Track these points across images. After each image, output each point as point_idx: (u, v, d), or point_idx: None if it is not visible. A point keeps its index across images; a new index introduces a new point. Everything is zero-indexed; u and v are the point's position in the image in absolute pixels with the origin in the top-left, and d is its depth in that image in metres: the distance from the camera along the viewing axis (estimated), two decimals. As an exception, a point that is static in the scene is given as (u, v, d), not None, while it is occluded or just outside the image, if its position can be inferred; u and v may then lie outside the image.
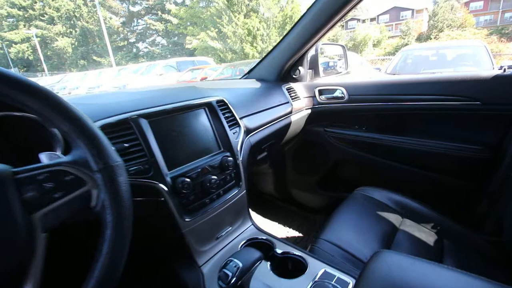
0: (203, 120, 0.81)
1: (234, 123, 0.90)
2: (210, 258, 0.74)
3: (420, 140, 1.12)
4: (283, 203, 1.72)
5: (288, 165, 1.63)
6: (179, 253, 0.71)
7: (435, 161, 1.10)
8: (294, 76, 1.43)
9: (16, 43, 23.67)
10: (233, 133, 0.87)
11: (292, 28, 1.21)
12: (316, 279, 0.64)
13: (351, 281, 0.64)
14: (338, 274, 0.65)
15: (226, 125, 0.84)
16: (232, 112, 0.90)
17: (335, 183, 1.49)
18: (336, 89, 1.33)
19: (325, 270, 0.67)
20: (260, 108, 1.13)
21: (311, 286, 0.61)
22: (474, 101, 0.98)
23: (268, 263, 0.71)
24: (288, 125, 1.28)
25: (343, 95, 1.31)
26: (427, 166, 1.12)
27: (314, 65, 1.52)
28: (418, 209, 1.03)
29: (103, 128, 0.59)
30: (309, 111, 1.41)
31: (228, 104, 0.90)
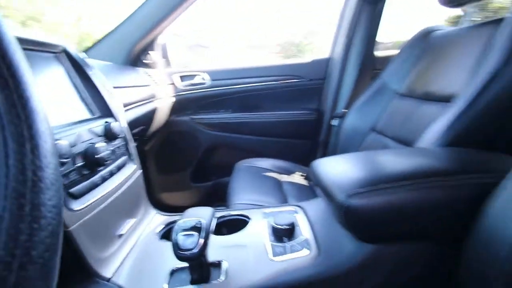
0: (60, 70, 0.53)
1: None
2: (121, 264, 0.48)
3: (273, 114, 1.36)
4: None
5: (151, 168, 1.40)
6: (72, 265, 0.40)
7: (284, 128, 1.38)
8: (145, 61, 1.28)
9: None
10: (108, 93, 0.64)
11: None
12: (272, 222, 0.60)
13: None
14: (281, 209, 0.65)
15: (97, 83, 0.60)
16: (97, 71, 0.66)
17: (211, 171, 1.46)
18: (196, 75, 1.33)
19: (265, 212, 0.64)
20: (124, 84, 0.91)
21: (271, 229, 0.55)
22: (301, 78, 1.34)
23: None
24: (154, 111, 1.11)
25: (204, 81, 1.33)
26: (281, 133, 1.38)
27: (165, 54, 1.43)
28: (285, 165, 1.24)
29: None
30: (172, 99, 1.30)
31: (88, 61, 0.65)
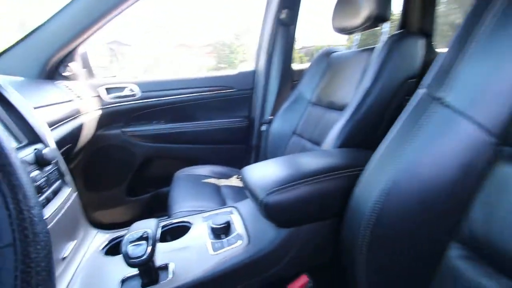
0: None
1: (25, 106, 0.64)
2: (69, 285, 0.50)
3: (207, 122, 1.44)
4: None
5: (80, 187, 1.31)
6: None
7: (219, 135, 1.48)
8: (63, 74, 1.19)
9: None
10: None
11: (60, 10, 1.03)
12: (210, 223, 0.67)
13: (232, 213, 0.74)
14: (218, 211, 0.74)
15: (20, 107, 0.59)
16: (14, 93, 0.63)
17: (148, 183, 1.44)
18: (125, 87, 1.30)
19: (204, 216, 0.72)
20: (43, 102, 0.85)
21: (210, 230, 0.64)
22: (231, 88, 1.45)
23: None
24: (80, 127, 1.06)
25: (134, 93, 1.31)
26: (217, 140, 1.47)
27: (86, 64, 1.35)
28: (223, 170, 1.34)
29: None
30: (98, 113, 1.25)
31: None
